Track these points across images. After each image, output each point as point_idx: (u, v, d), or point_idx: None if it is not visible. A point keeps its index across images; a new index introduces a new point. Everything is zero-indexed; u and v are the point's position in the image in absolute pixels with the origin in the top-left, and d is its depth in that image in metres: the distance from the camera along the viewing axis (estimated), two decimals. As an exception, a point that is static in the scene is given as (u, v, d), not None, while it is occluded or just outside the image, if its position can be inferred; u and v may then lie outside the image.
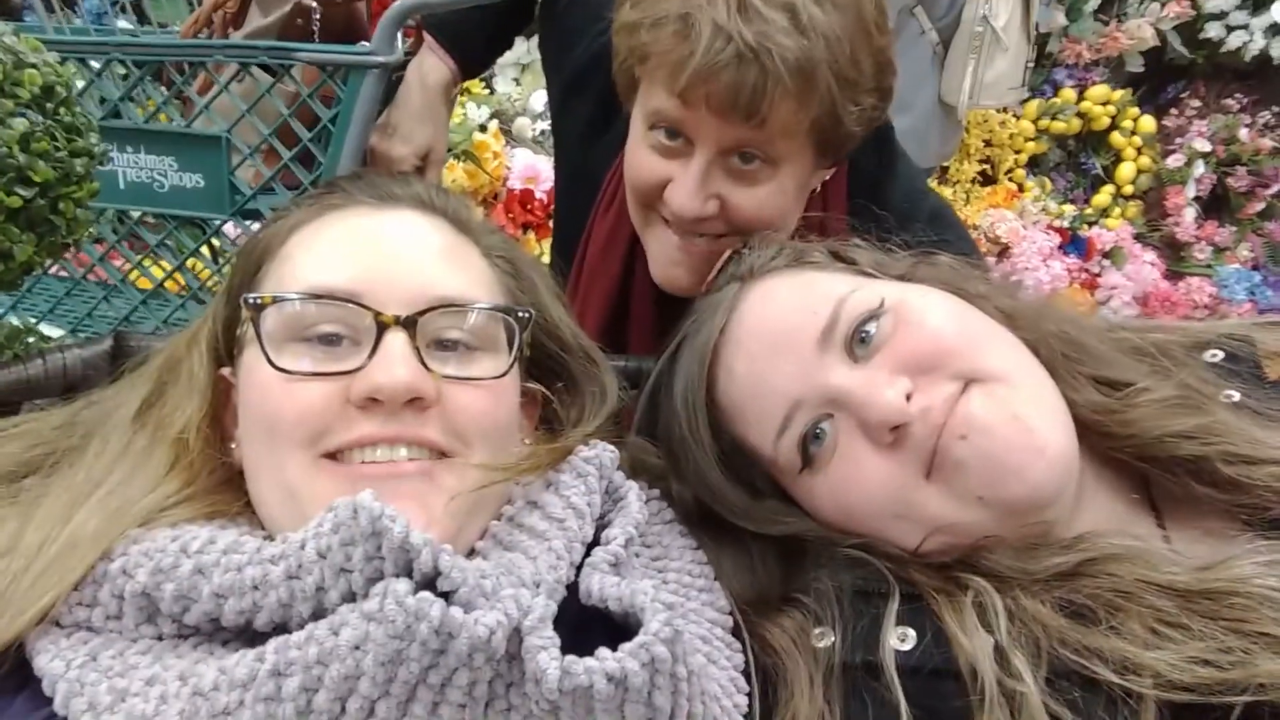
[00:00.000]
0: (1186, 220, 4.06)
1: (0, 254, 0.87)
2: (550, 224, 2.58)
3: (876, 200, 1.18)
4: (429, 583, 0.63)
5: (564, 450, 0.81)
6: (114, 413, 0.82)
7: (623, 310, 1.36)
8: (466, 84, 1.71)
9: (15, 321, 1.30)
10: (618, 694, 0.61)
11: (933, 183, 3.71)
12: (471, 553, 0.76)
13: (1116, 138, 4.07)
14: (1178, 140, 4.10)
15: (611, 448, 0.84)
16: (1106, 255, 4.00)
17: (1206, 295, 3.97)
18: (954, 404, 0.80)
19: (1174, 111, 4.15)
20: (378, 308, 0.75)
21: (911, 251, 0.96)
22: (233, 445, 0.80)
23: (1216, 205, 4.18)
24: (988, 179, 4.08)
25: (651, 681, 0.62)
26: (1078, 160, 4.17)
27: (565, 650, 0.62)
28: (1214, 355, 0.93)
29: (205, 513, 0.75)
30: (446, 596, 0.62)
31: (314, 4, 1.32)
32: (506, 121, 3.44)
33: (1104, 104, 4.02)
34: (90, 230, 1.06)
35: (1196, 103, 4.13)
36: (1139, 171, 4.10)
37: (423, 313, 0.75)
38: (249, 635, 0.67)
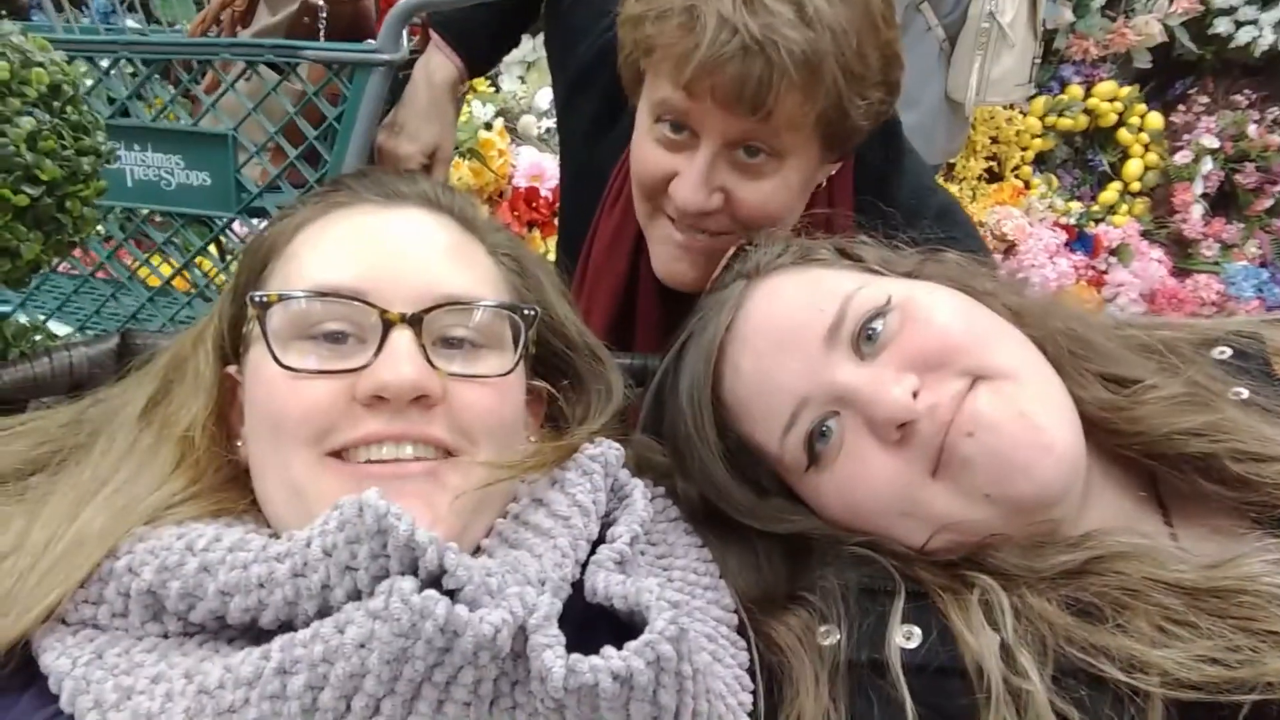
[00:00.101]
0: (1194, 217, 4.04)
1: (7, 252, 0.87)
2: (555, 222, 2.58)
3: (883, 196, 1.18)
4: (434, 581, 0.63)
5: (569, 448, 0.81)
6: (120, 411, 0.83)
7: (629, 307, 1.36)
8: (472, 82, 1.70)
9: (23, 319, 1.31)
10: (623, 692, 0.61)
11: (939, 179, 3.70)
12: (477, 550, 0.76)
13: (1124, 134, 4.06)
14: (1185, 137, 4.08)
15: (617, 445, 0.84)
16: (1113, 252, 3.99)
17: (1214, 292, 3.95)
18: (961, 401, 0.80)
19: (1182, 108, 4.13)
20: (384, 305, 0.75)
21: (918, 248, 0.96)
22: (238, 443, 0.81)
23: (1224, 202, 4.16)
24: (994, 176, 4.07)
25: (657, 680, 0.62)
26: (1085, 157, 4.15)
27: (570, 648, 0.62)
28: (1222, 352, 0.93)
29: (211, 510, 0.75)
30: (452, 595, 0.62)
31: (321, 2, 1.32)
32: (512, 119, 3.44)
33: (1111, 100, 3.99)
34: (98, 229, 1.07)
35: (1204, 99, 4.10)
36: (1146, 168, 4.08)
37: (428, 310, 0.75)
38: (254, 633, 0.68)
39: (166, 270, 1.37)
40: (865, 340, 0.84)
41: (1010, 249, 3.80)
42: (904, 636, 0.75)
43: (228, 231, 1.39)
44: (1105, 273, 3.97)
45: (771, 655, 0.79)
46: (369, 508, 0.63)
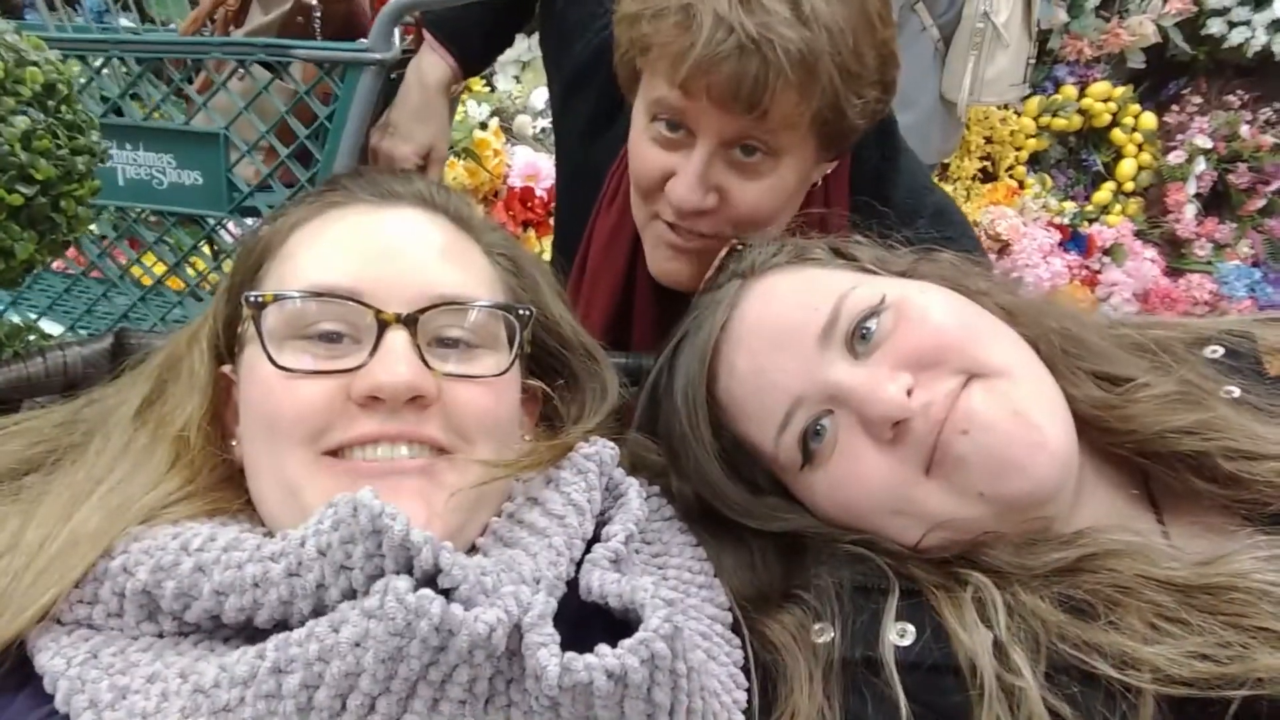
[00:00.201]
0: (1187, 217, 4.06)
1: (2, 252, 0.87)
2: (551, 221, 2.58)
3: (879, 195, 1.18)
4: (429, 580, 0.63)
5: (564, 447, 0.81)
6: (115, 410, 0.82)
7: (626, 307, 1.36)
8: (468, 81, 1.70)
9: (15, 319, 1.31)
10: (617, 690, 0.61)
11: (933, 179, 3.71)
12: (472, 549, 0.76)
13: (1117, 134, 4.07)
14: (1179, 137, 4.09)
15: (612, 444, 0.84)
16: (1107, 252, 4.00)
17: (1207, 292, 3.97)
18: (955, 399, 0.80)
19: (1175, 108, 4.14)
20: (379, 306, 0.75)
21: (913, 248, 0.96)
22: (233, 443, 0.80)
23: (1217, 202, 4.18)
24: (988, 176, 4.08)
25: (651, 678, 0.62)
26: (1078, 157, 4.16)
27: (565, 647, 0.62)
28: (1214, 351, 0.93)
29: (206, 510, 0.75)
30: (447, 594, 0.62)
31: (315, 1, 1.32)
32: (507, 119, 3.44)
33: (1105, 101, 4.01)
34: (91, 228, 1.06)
35: (1198, 99, 4.12)
36: (1140, 168, 4.10)
37: (424, 310, 0.75)
38: (250, 633, 0.68)
39: (159, 270, 1.37)
40: (859, 339, 0.84)
41: (1004, 249, 3.81)
42: (898, 634, 0.75)
43: (219, 230, 1.39)
44: (1099, 272, 3.99)
45: (766, 653, 0.79)
46: (363, 507, 0.63)
